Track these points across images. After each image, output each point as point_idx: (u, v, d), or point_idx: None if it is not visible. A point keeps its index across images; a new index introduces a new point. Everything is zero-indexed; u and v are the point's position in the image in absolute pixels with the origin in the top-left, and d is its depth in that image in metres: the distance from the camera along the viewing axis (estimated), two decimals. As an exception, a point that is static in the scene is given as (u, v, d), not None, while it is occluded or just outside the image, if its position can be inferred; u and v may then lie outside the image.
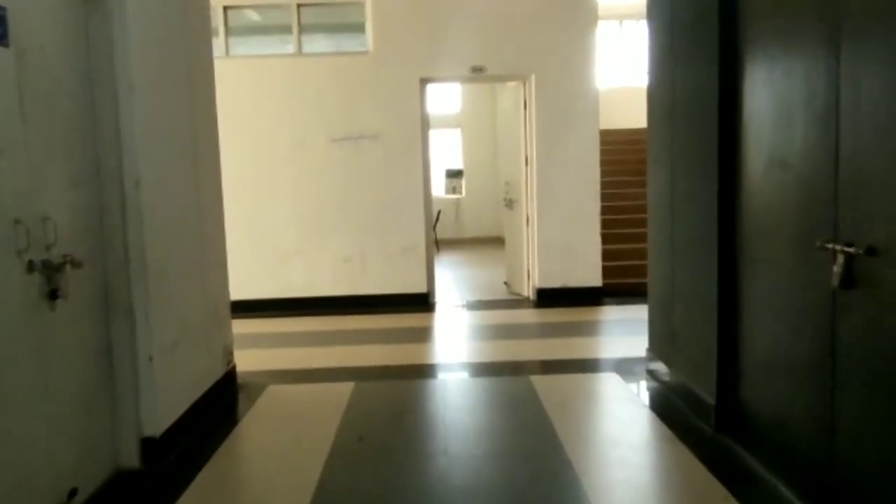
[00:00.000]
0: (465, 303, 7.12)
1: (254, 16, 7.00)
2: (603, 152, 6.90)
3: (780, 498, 2.76)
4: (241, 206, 6.30)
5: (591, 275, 6.85)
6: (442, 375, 4.75)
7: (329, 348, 5.48)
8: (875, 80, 2.18)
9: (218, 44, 6.55)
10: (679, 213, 3.90)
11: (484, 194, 12.25)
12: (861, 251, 2.22)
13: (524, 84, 6.88)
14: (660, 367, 4.22)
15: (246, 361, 4.72)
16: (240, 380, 4.50)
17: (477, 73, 6.74)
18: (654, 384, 4.27)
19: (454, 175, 12.52)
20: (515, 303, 7.03)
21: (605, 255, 6.94)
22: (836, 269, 2.31)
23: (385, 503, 2.89)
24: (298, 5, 6.78)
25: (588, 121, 6.72)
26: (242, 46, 6.93)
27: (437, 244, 10.45)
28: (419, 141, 6.76)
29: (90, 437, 2.89)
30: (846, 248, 2.28)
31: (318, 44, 6.97)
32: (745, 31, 3.13)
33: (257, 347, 5.40)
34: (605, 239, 6.97)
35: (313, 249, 6.83)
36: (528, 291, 7.11)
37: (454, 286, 8.10)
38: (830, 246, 2.37)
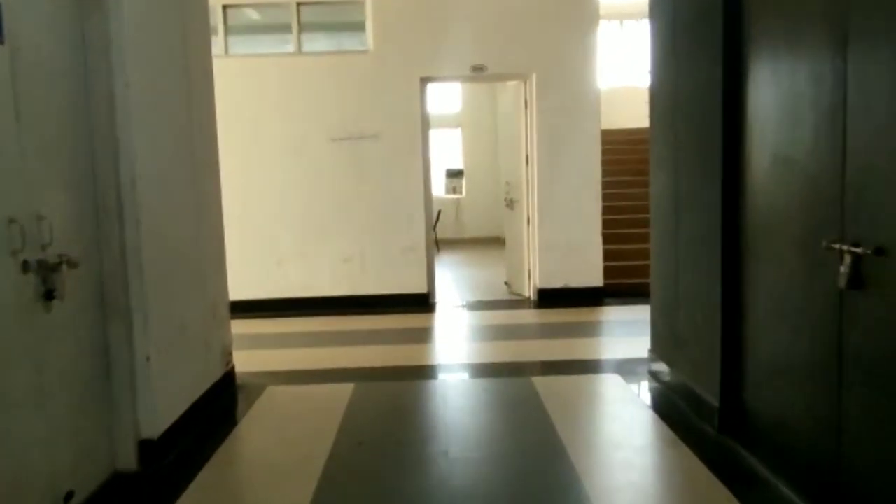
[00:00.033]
0: (465, 303, 7.09)
1: (253, 14, 6.97)
2: (604, 152, 6.87)
3: (784, 500, 2.73)
4: (240, 205, 6.27)
5: (592, 275, 6.82)
6: (442, 376, 4.72)
7: (329, 349, 5.45)
8: (884, 77, 2.14)
9: (217, 43, 6.53)
10: (682, 213, 3.87)
11: (484, 194, 12.22)
12: (869, 251, 2.18)
13: (525, 83, 6.85)
14: (662, 368, 4.19)
15: (245, 362, 4.69)
16: (239, 381, 4.47)
17: (478, 73, 6.71)
18: (657, 385, 4.24)
19: (454, 175, 12.48)
20: (516, 303, 7.00)
21: (607, 255, 6.90)
22: (844, 269, 2.28)
23: (385, 506, 2.86)
24: (298, 4, 6.75)
25: (589, 120, 6.69)
26: (242, 45, 6.90)
27: (437, 244, 10.42)
28: (419, 140, 6.73)
29: (87, 439, 2.85)
30: (854, 249, 2.25)
31: (318, 43, 6.94)
32: (749, 29, 3.09)
33: (256, 348, 5.37)
34: (607, 239, 6.93)
35: (313, 249, 6.80)
36: (529, 292, 7.08)
37: (454, 286, 8.07)
38: (837, 246, 2.33)
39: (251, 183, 6.64)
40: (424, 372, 4.80)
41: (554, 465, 3.16)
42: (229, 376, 4.34)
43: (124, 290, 3.07)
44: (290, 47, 6.81)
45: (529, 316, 6.48)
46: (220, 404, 4.08)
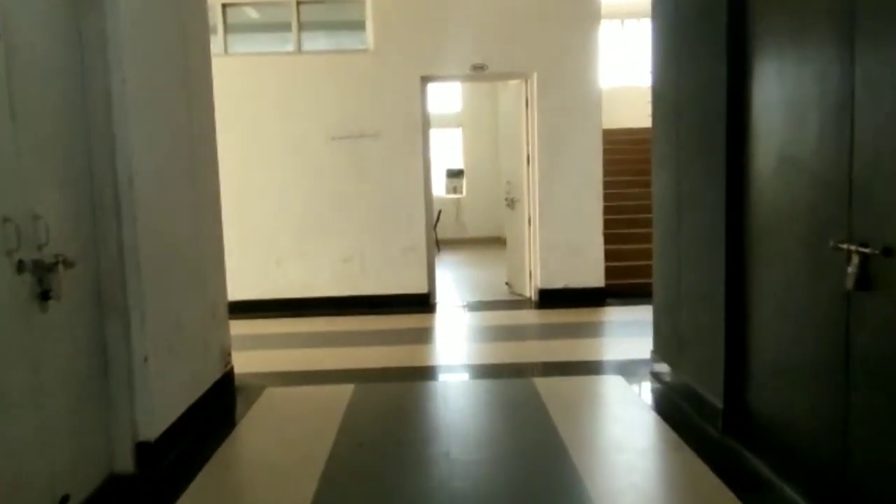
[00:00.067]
0: (466, 303, 7.06)
1: (253, 13, 6.94)
2: (606, 152, 6.84)
3: (789, 502, 2.70)
4: (239, 205, 6.25)
5: (593, 275, 6.79)
6: (443, 377, 4.69)
7: (328, 349, 5.42)
8: (891, 74, 2.11)
9: (216, 41, 6.50)
10: (684, 213, 3.84)
11: (485, 194, 12.19)
12: (877, 251, 2.15)
13: (526, 83, 6.82)
14: (665, 369, 4.16)
15: (244, 363, 4.66)
16: (238, 382, 4.44)
17: (478, 72, 6.68)
18: (659, 386, 4.21)
19: (455, 175, 12.45)
20: (517, 303, 6.96)
21: (608, 256, 6.87)
22: (851, 269, 2.25)
23: (385, 509, 2.83)
24: (298, 3, 6.72)
25: (591, 120, 6.66)
26: (241, 44, 6.87)
27: (437, 244, 10.39)
28: (420, 140, 6.70)
29: (83, 441, 2.82)
30: (861, 249, 2.22)
31: (318, 42, 6.91)
32: (753, 27, 3.06)
33: (256, 349, 5.34)
34: (608, 239, 6.90)
35: (313, 249, 6.77)
36: (530, 292, 7.04)
37: (455, 287, 8.04)
38: (845, 246, 2.30)
39: (250, 182, 6.61)
40: (425, 373, 4.76)
41: (556, 467, 3.13)
42: (228, 377, 4.31)
43: (122, 289, 3.04)
44: (290, 46, 6.78)
45: (530, 316, 6.45)
46: (219, 405, 4.05)
